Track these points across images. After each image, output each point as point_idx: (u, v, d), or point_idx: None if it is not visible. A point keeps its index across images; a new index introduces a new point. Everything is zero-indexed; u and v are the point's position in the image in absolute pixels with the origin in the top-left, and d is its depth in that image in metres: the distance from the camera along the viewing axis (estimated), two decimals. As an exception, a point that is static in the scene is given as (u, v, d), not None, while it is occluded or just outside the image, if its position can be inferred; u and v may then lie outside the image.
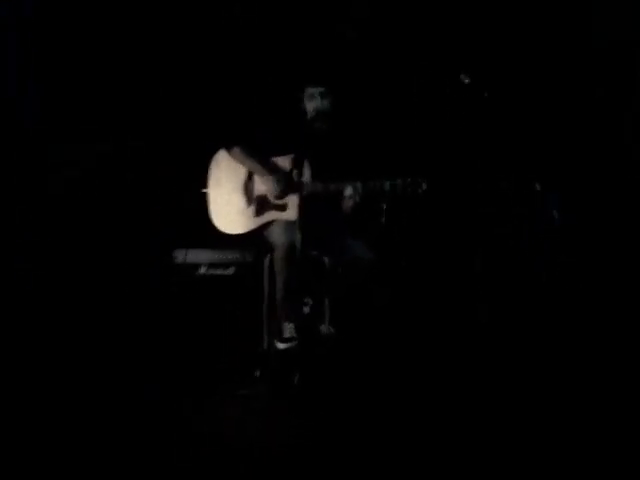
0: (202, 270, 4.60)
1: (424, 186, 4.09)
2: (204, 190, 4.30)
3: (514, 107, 4.70)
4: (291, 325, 4.11)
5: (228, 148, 4.31)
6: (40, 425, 3.43)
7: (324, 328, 4.22)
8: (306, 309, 4.25)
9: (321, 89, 4.29)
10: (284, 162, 4.25)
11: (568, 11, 5.03)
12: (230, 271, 4.58)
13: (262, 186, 4.27)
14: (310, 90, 4.30)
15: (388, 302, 4.69)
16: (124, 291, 4.67)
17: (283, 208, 4.25)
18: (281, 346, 4.10)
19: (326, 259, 4.28)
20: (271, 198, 4.27)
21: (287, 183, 4.21)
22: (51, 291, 4.59)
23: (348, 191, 4.14)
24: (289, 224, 4.12)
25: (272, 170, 4.24)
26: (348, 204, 4.20)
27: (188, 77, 5.13)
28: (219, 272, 4.58)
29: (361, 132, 4.70)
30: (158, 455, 3.24)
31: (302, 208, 3.87)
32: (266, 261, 4.26)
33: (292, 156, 4.15)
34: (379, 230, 4.22)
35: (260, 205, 4.29)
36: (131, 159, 5.00)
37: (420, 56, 5.05)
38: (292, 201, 4.20)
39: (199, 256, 4.62)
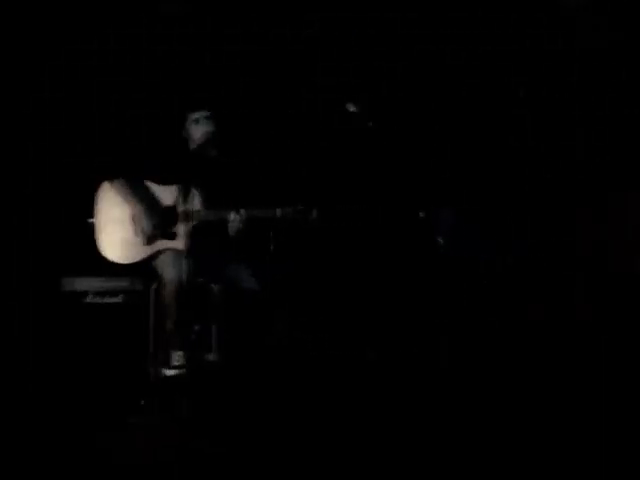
0: (89, 298, 4.55)
1: (314, 214, 4.16)
2: (90, 220, 4.29)
3: (399, 135, 4.81)
4: (180, 353, 4.12)
5: (110, 181, 4.31)
6: None
7: (211, 355, 4.23)
8: (193, 336, 4.26)
9: (205, 113, 4.30)
10: (170, 192, 4.25)
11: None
12: (118, 299, 4.55)
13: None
14: (193, 115, 4.31)
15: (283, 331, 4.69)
16: (8, 318, 4.60)
17: (173, 237, 4.25)
18: (168, 372, 4.10)
19: (214, 286, 4.30)
20: None
21: (167, 216, 4.21)
22: None
23: (231, 218, 4.17)
24: (177, 254, 4.11)
25: (151, 205, 4.24)
26: (232, 231, 4.21)
27: (74, 104, 5.09)
28: (107, 300, 4.55)
29: (251, 158, 4.74)
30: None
31: (190, 237, 3.89)
32: (152, 289, 4.26)
33: (178, 186, 4.15)
34: (267, 257, 4.26)
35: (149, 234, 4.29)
36: (18, 185, 4.94)
37: (307, 83, 5.14)
38: (181, 230, 4.20)
39: (86, 284, 4.60)
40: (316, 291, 5.03)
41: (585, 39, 5.09)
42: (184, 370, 4.08)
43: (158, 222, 4.21)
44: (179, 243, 4.19)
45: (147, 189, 4.29)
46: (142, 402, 4.05)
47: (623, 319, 4.74)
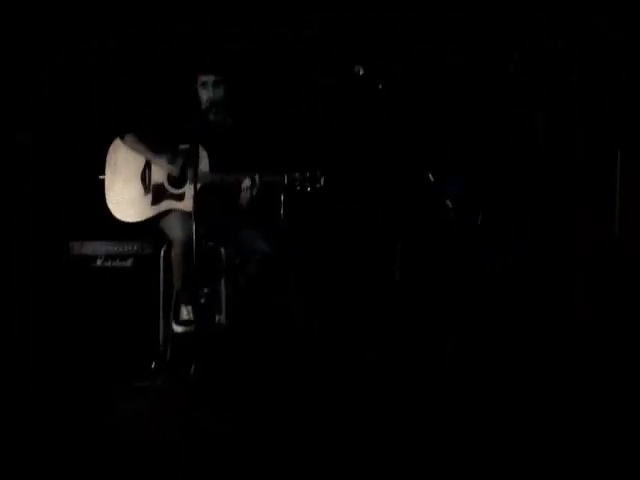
0: (99, 262, 4.53)
1: (322, 180, 4.16)
2: (101, 177, 4.28)
3: (407, 98, 4.84)
4: (189, 307, 4.11)
5: (122, 136, 4.30)
6: None
7: (220, 318, 4.22)
8: (202, 299, 4.24)
9: (213, 77, 4.29)
10: (180, 152, 4.23)
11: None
12: (128, 263, 4.52)
13: (159, 175, 4.26)
14: (202, 78, 4.31)
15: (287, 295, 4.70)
16: (19, 284, 4.58)
17: (180, 198, 4.24)
18: (178, 329, 4.10)
19: (222, 250, 4.29)
20: (168, 187, 4.26)
21: (183, 172, 4.20)
22: None
23: (246, 183, 4.16)
24: (185, 215, 4.09)
25: (167, 158, 4.24)
26: (246, 196, 4.19)
27: (82, 64, 5.09)
28: (117, 264, 4.53)
29: (260, 124, 4.74)
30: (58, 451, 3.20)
31: (198, 198, 3.84)
32: (162, 252, 4.25)
33: (187, 146, 4.13)
34: (276, 222, 4.26)
35: (157, 194, 4.28)
36: (24, 148, 4.94)
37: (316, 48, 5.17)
38: (189, 191, 4.16)
39: (96, 248, 4.57)
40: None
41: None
42: (192, 327, 4.06)
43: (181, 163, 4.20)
44: (186, 204, 4.17)
45: (160, 146, 4.29)
46: (153, 365, 4.04)
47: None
